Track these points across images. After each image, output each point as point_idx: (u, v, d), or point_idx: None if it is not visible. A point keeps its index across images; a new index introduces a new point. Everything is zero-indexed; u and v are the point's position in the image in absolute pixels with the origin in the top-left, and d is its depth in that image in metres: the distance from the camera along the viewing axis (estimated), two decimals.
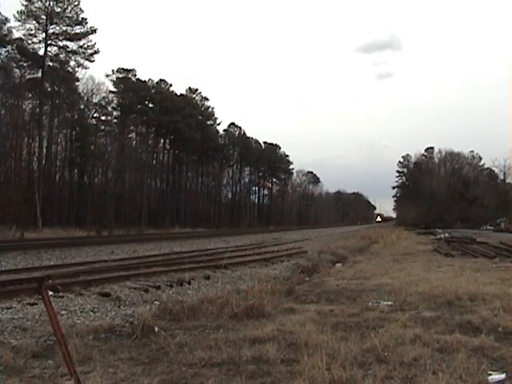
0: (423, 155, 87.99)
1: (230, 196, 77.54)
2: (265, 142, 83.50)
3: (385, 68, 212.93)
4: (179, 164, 62.86)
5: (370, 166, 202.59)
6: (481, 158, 77.00)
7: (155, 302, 7.75)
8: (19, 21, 38.60)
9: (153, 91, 55.40)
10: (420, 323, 5.78)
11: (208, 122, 65.53)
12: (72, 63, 42.35)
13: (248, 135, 76.65)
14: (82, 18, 40.80)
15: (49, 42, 39.56)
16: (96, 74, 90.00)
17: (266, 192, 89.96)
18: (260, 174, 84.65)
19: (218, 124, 68.87)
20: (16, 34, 39.52)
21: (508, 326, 5.51)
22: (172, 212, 57.42)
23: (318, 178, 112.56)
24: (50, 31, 39.53)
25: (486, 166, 75.66)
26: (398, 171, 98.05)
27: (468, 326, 5.69)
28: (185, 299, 7.04)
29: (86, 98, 48.91)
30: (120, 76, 51.58)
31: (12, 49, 39.60)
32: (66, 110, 47.64)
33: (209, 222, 59.09)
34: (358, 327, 5.66)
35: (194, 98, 64.59)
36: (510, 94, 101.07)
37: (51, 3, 39.13)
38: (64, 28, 40.19)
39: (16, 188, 37.56)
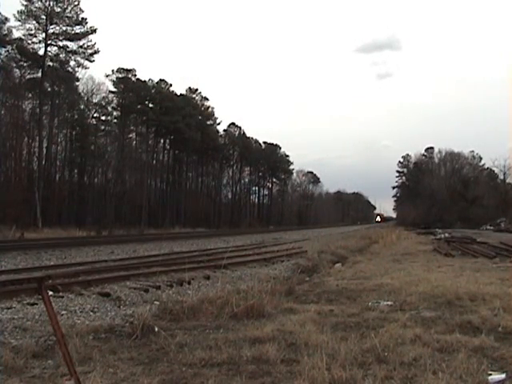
0: (423, 155, 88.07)
1: (230, 196, 77.59)
2: (265, 142, 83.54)
3: (384, 68, 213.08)
4: (179, 164, 62.86)
5: (370, 166, 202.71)
6: (481, 158, 77.04)
7: (155, 302, 7.76)
8: (19, 21, 38.68)
9: (153, 91, 55.41)
10: (420, 323, 5.78)
11: (208, 122, 65.53)
12: (72, 63, 42.44)
13: (248, 135, 76.76)
14: (82, 18, 40.85)
15: (49, 42, 39.58)
16: (96, 74, 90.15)
17: (266, 192, 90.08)
18: (260, 174, 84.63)
19: (218, 124, 69.00)
20: (16, 34, 39.62)
21: (508, 326, 5.50)
22: (172, 212, 57.42)
23: (318, 178, 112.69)
24: (50, 31, 39.55)
25: (486, 166, 75.71)
26: (397, 171, 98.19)
27: (468, 326, 5.68)
28: (185, 299, 7.03)
29: (86, 98, 48.92)
30: (120, 76, 51.58)
31: (12, 49, 39.64)
32: (66, 110, 47.66)
33: (209, 222, 59.09)
34: (358, 327, 5.66)
35: (194, 98, 64.60)
36: (510, 94, 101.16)
37: (51, 3, 39.16)
38: (64, 28, 40.22)
39: (16, 188, 37.54)
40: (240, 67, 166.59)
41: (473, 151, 76.90)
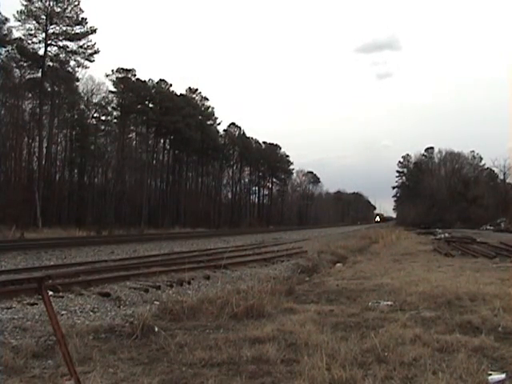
0: (423, 155, 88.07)
1: (230, 196, 77.59)
2: (265, 142, 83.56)
3: (384, 68, 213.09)
4: (179, 164, 62.86)
5: (370, 166, 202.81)
6: (481, 158, 76.98)
7: (155, 302, 7.76)
8: (19, 21, 38.67)
9: (153, 91, 55.40)
10: (420, 323, 5.78)
11: (208, 122, 65.54)
12: (72, 63, 42.42)
13: (248, 135, 76.79)
14: (82, 18, 40.85)
15: (49, 42, 39.57)
16: (96, 74, 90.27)
17: (265, 192, 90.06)
18: (260, 174, 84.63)
19: (218, 124, 69.00)
20: (16, 34, 39.61)
21: (508, 326, 5.50)
22: (172, 212, 57.41)
23: (318, 178, 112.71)
24: (50, 31, 39.54)
25: (486, 166, 75.70)
26: (397, 171, 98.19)
27: (468, 326, 5.68)
28: (185, 299, 7.03)
29: (85, 98, 48.92)
30: (120, 76, 51.57)
31: (12, 49, 39.62)
32: (66, 110, 47.66)
33: (209, 222, 59.08)
34: (358, 327, 5.66)
35: (194, 98, 64.60)
36: (510, 94, 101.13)
37: (51, 3, 39.16)
38: (64, 28, 40.22)
39: (16, 188, 37.55)
40: (240, 67, 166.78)
41: (473, 151, 76.97)
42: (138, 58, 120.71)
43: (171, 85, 58.82)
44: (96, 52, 42.12)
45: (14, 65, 40.32)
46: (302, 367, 4.03)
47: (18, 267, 11.70)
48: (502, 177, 69.82)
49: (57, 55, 41.05)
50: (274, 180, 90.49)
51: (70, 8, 40.18)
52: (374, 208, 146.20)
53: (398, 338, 4.95)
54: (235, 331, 5.51)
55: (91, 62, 42.59)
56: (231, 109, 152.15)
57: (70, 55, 41.60)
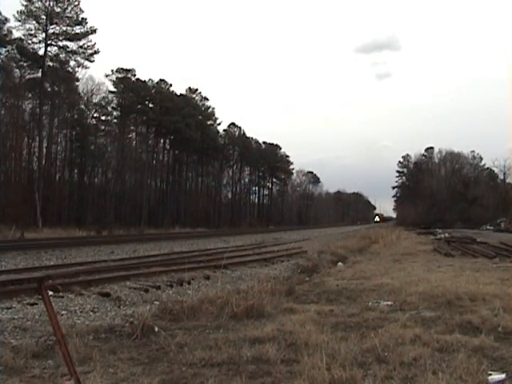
0: (423, 155, 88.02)
1: (230, 196, 77.59)
2: (265, 142, 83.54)
3: (384, 68, 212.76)
4: (179, 164, 62.86)
5: (370, 166, 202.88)
6: (481, 158, 76.94)
7: (155, 302, 7.76)
8: (19, 21, 38.66)
9: (153, 91, 55.39)
10: (420, 323, 5.78)
11: (208, 122, 65.53)
12: (72, 63, 42.40)
13: (248, 135, 76.77)
14: (82, 18, 40.84)
15: (49, 42, 39.56)
16: (96, 74, 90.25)
17: (266, 192, 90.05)
18: (260, 174, 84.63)
19: (218, 124, 68.98)
20: (16, 34, 39.60)
21: (508, 326, 5.50)
22: (172, 212, 57.40)
23: (318, 178, 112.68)
24: (50, 31, 39.53)
25: (486, 166, 75.68)
26: (397, 171, 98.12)
27: (468, 326, 5.68)
28: (185, 299, 7.03)
29: (85, 98, 48.92)
30: (120, 76, 51.56)
31: (12, 49, 39.61)
32: (66, 110, 47.64)
33: (209, 222, 59.08)
34: (358, 327, 5.66)
35: (194, 97, 64.59)
36: (510, 94, 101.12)
37: (51, 3, 39.16)
38: (64, 28, 40.21)
39: (16, 188, 37.55)
40: (240, 67, 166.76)
41: (473, 151, 76.91)
42: (138, 57, 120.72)
43: (171, 85, 58.90)
44: (96, 52, 42.16)
45: (14, 65, 40.33)
46: (302, 367, 4.03)
47: (18, 267, 11.70)
48: (502, 177, 69.86)
49: (57, 55, 41.06)
50: (274, 180, 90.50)
51: (70, 8, 40.20)
52: (374, 208, 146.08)
53: (398, 338, 4.95)
54: (235, 331, 5.51)
55: (91, 62, 42.64)
56: (231, 109, 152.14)
57: (70, 55, 41.62)
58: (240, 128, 74.79)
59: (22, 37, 39.25)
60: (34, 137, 43.03)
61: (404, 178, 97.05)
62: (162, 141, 60.47)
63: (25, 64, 40.54)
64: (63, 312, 6.84)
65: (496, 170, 70.44)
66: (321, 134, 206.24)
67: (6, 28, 39.20)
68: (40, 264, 12.76)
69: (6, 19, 38.76)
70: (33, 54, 39.74)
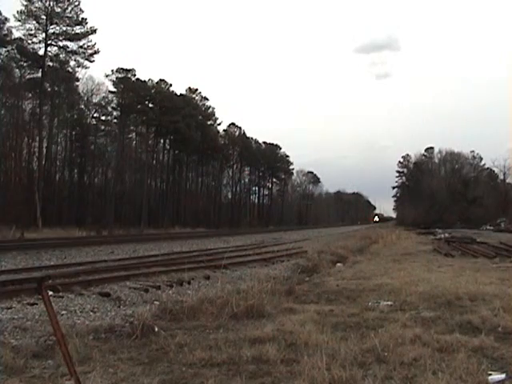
0: (423, 155, 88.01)
1: (229, 196, 77.56)
2: (265, 142, 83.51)
3: (383, 68, 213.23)
4: (179, 164, 62.83)
5: (370, 166, 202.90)
6: (481, 158, 76.97)
7: (155, 302, 7.76)
8: (19, 21, 38.62)
9: (153, 91, 55.35)
10: (420, 323, 5.78)
11: (208, 122, 65.51)
12: (72, 63, 42.37)
13: (248, 135, 76.72)
14: (82, 18, 40.81)
15: (49, 42, 39.54)
16: (96, 74, 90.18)
17: (265, 192, 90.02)
18: (260, 174, 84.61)
19: (218, 124, 68.96)
20: (16, 34, 39.58)
21: (508, 326, 5.50)
22: (172, 212, 57.39)
23: (318, 178, 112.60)
24: (50, 31, 39.51)
25: (486, 166, 75.69)
26: (397, 171, 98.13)
27: (468, 326, 5.68)
28: (185, 299, 7.03)
29: (85, 98, 48.91)
30: (120, 76, 51.51)
31: (12, 49, 39.60)
32: (66, 110, 47.63)
33: (209, 222, 59.07)
34: (358, 327, 5.66)
35: (194, 97, 64.56)
36: (510, 93, 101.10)
37: (51, 3, 39.13)
38: (64, 28, 40.17)
39: (16, 188, 37.55)
40: (240, 67, 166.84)
41: (473, 151, 76.95)
42: (138, 57, 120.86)
43: (171, 85, 58.85)
44: (96, 52, 42.12)
45: (14, 65, 40.31)
46: (301, 367, 4.03)
47: (18, 267, 11.70)
48: (502, 177, 69.97)
49: (57, 55, 41.05)
50: (274, 180, 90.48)
51: (70, 8, 40.18)
52: (374, 208, 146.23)
53: (398, 337, 4.95)
54: (235, 331, 5.51)
55: (91, 62, 42.59)
56: (231, 109, 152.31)
57: (70, 55, 41.59)
58: (240, 128, 74.84)
59: (22, 37, 39.29)
60: (34, 137, 43.01)
61: (404, 178, 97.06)
62: (161, 141, 60.44)
63: (25, 64, 40.52)
64: (63, 312, 6.84)
65: (496, 170, 70.59)
66: (321, 133, 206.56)
67: (6, 28, 39.25)
68: (40, 264, 12.75)
69: (6, 19, 38.81)
70: (33, 54, 39.72)
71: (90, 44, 41.48)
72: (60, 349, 3.27)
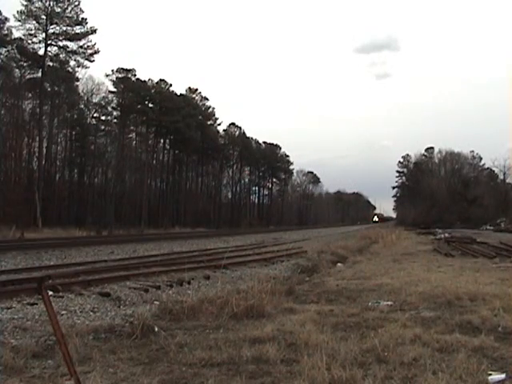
0: (423, 155, 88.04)
1: (229, 196, 77.60)
2: (265, 142, 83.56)
3: (383, 68, 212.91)
4: (179, 164, 62.86)
5: (370, 166, 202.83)
6: (481, 158, 77.06)
7: (155, 302, 7.76)
8: (19, 21, 38.69)
9: (153, 91, 55.38)
10: (420, 323, 5.77)
11: (208, 122, 65.55)
12: (72, 63, 42.47)
13: (248, 135, 76.77)
14: (82, 18, 40.87)
15: (49, 42, 39.59)
16: (96, 74, 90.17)
17: (266, 192, 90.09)
18: (260, 174, 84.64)
19: (218, 124, 69.03)
20: (16, 34, 39.64)
21: (508, 326, 5.50)
22: (172, 212, 57.41)
23: (318, 178, 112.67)
24: (50, 31, 39.56)
25: (486, 166, 75.73)
26: (397, 171, 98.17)
27: (468, 326, 5.68)
28: (185, 299, 7.03)
29: (85, 98, 48.93)
30: (120, 76, 51.55)
31: (12, 49, 39.62)
32: (66, 110, 47.66)
33: (209, 222, 59.09)
34: (358, 327, 5.66)
35: (194, 97, 64.60)
36: (510, 93, 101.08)
37: (51, 3, 39.18)
38: (64, 28, 40.24)
39: (16, 188, 37.55)
40: (240, 67, 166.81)
41: (473, 151, 77.02)
42: (138, 58, 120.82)
43: (171, 85, 58.91)
44: (96, 52, 42.20)
45: (14, 65, 40.34)
46: (301, 367, 4.02)
47: (18, 267, 11.70)
48: (502, 177, 69.95)
49: (57, 55, 41.10)
50: (274, 180, 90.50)
51: (70, 8, 40.23)
52: (374, 208, 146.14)
53: (398, 338, 4.95)
54: (235, 331, 5.50)
55: (91, 62, 42.69)
56: (231, 109, 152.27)
57: (70, 55, 41.64)
58: (240, 128, 74.88)
59: (22, 37, 39.36)
60: (33, 137, 43.04)
61: (404, 178, 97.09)
62: (161, 141, 60.47)
63: (25, 64, 40.56)
64: (63, 312, 6.84)
65: (496, 170, 70.58)
66: (321, 133, 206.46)
67: (6, 28, 39.27)
68: (40, 264, 12.75)
69: (6, 19, 38.84)
70: (33, 54, 39.75)
71: (89, 44, 41.60)
72: (60, 349, 3.27)
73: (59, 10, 39.63)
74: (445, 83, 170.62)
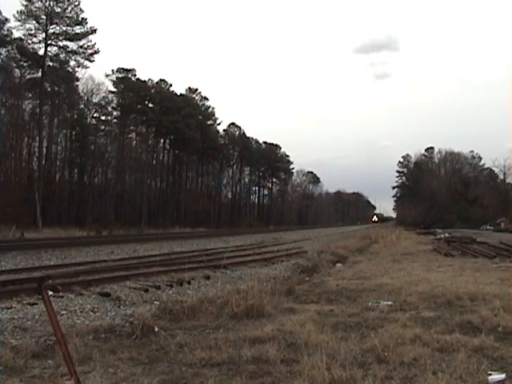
0: (423, 155, 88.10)
1: (229, 196, 77.56)
2: (265, 142, 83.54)
3: (383, 68, 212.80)
4: (179, 164, 62.86)
5: (370, 166, 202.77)
6: (481, 158, 77.05)
7: (155, 302, 7.76)
8: (19, 21, 38.68)
9: (153, 91, 55.38)
10: (420, 323, 5.77)
11: (208, 122, 65.53)
12: (72, 63, 42.45)
13: (248, 135, 76.76)
14: (82, 18, 40.86)
15: (49, 42, 39.58)
16: (96, 74, 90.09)
17: (266, 192, 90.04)
18: (260, 174, 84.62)
19: (218, 124, 68.99)
20: (16, 34, 39.62)
21: (508, 326, 5.50)
22: (172, 212, 57.40)
23: (318, 178, 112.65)
24: (50, 31, 39.56)
25: (485, 166, 75.69)
26: (397, 171, 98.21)
27: (468, 326, 5.68)
28: (185, 299, 7.03)
29: (85, 98, 48.93)
30: (120, 76, 51.55)
31: (12, 49, 39.60)
32: (66, 110, 47.64)
33: (209, 222, 59.06)
34: (358, 327, 5.66)
35: (194, 97, 64.58)
36: (510, 93, 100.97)
37: (51, 3, 39.17)
38: (64, 28, 40.24)
39: (16, 188, 37.56)
40: (240, 67, 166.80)
41: (473, 151, 77.04)
42: (138, 57, 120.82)
43: (171, 85, 58.91)
44: (96, 52, 42.19)
45: (14, 65, 40.31)
46: (301, 367, 4.02)
47: (18, 267, 11.70)
48: (502, 177, 69.82)
49: (57, 55, 41.08)
50: (274, 180, 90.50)
51: (70, 8, 40.22)
52: (374, 208, 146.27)
53: (398, 338, 4.95)
54: (235, 331, 5.50)
55: (91, 62, 42.69)
56: (231, 109, 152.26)
57: (70, 55, 41.64)
58: (240, 128, 74.86)
59: (22, 37, 39.35)
60: (33, 137, 43.05)
61: (404, 178, 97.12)
62: (161, 141, 60.48)
63: (25, 64, 40.54)
64: (63, 312, 6.84)
65: (496, 170, 70.47)
66: (321, 133, 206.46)
67: (6, 28, 39.24)
68: (40, 264, 12.75)
69: (7, 19, 38.80)
70: (33, 54, 39.74)
71: (89, 44, 41.60)
72: (60, 349, 3.27)
73: (59, 10, 39.65)
74: (445, 83, 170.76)
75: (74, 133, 49.24)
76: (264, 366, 4.23)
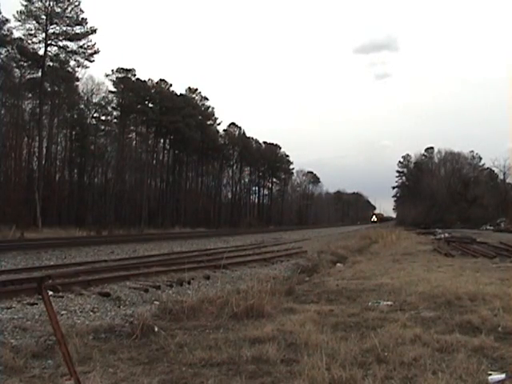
0: (423, 155, 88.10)
1: (229, 196, 77.56)
2: (265, 142, 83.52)
3: (383, 68, 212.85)
4: (179, 164, 62.85)
5: (370, 166, 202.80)
6: (481, 158, 77.09)
7: (155, 302, 7.76)
8: (19, 21, 38.64)
9: (153, 91, 55.39)
10: (420, 323, 5.77)
11: (208, 122, 65.52)
12: (72, 63, 42.38)
13: (248, 135, 76.76)
14: (82, 18, 40.82)
15: (49, 42, 39.54)
16: (96, 74, 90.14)
17: (265, 192, 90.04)
18: (260, 174, 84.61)
19: (218, 124, 68.98)
20: (16, 34, 39.57)
21: (508, 326, 5.50)
22: (172, 212, 57.41)
23: (318, 178, 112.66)
24: (50, 31, 39.51)
25: (485, 166, 75.72)
26: (398, 171, 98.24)
27: (468, 326, 5.68)
28: (185, 299, 7.03)
29: (85, 98, 48.93)
30: (120, 76, 51.56)
31: (12, 49, 39.59)
32: (66, 110, 47.64)
33: (209, 222, 59.06)
34: (358, 327, 5.66)
35: (194, 97, 64.57)
36: (510, 93, 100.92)
37: (51, 3, 39.14)
38: (64, 28, 40.19)
39: (16, 188, 37.56)
40: (240, 67, 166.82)
41: (473, 151, 77.07)
42: (138, 57, 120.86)
43: (171, 85, 58.91)
44: (96, 52, 42.13)
45: (14, 65, 40.30)
46: (301, 367, 4.02)
47: (17, 267, 11.70)
48: (502, 177, 69.91)
49: (57, 55, 41.04)
50: (274, 180, 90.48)
51: (70, 8, 40.18)
52: (374, 208, 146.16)
53: (398, 338, 4.95)
54: (235, 331, 5.50)
55: (91, 62, 42.61)
56: (231, 109, 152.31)
57: (70, 55, 41.59)
58: (240, 128, 74.87)
59: (22, 37, 39.30)
60: (33, 137, 43.05)
61: (404, 178, 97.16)
62: (161, 141, 60.48)
63: (25, 64, 40.52)
64: (63, 312, 6.84)
65: (496, 170, 70.55)
66: (321, 133, 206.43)
67: (6, 28, 39.22)
68: (40, 264, 12.76)
69: (7, 20, 38.78)
70: (33, 54, 39.72)
71: (89, 44, 41.54)
72: (60, 349, 3.27)
73: (59, 10, 39.61)
74: (445, 83, 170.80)
75: (74, 133, 49.24)
76: (264, 365, 4.23)
